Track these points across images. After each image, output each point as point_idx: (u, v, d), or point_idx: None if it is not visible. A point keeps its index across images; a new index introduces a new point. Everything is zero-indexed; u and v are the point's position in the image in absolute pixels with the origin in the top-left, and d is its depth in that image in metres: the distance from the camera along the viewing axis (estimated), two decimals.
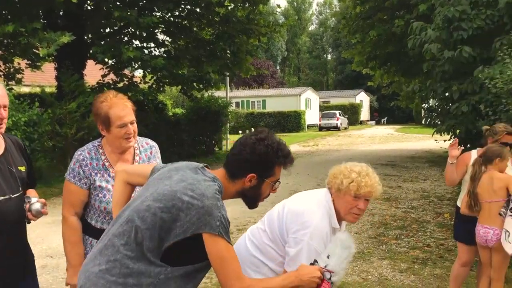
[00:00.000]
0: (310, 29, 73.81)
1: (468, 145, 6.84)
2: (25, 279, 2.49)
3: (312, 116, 41.75)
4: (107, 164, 2.61)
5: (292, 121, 37.41)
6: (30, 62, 14.68)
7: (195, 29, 15.17)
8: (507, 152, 3.75)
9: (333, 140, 27.21)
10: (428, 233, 6.67)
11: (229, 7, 14.93)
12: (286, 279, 2.03)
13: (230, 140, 21.55)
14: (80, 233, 2.59)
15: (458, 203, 4.08)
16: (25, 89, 16.90)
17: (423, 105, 10.66)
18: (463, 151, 4.09)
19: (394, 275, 5.05)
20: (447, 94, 7.19)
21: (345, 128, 40.30)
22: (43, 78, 18.96)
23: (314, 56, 69.27)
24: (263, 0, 15.52)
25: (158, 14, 13.94)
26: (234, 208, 7.39)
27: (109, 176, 2.59)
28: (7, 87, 13.72)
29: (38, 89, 14.96)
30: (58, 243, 5.34)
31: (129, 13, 11.08)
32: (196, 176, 1.94)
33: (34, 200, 2.41)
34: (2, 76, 14.22)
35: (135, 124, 2.61)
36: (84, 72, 14.12)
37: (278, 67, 68.48)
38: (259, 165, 1.97)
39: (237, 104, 41.09)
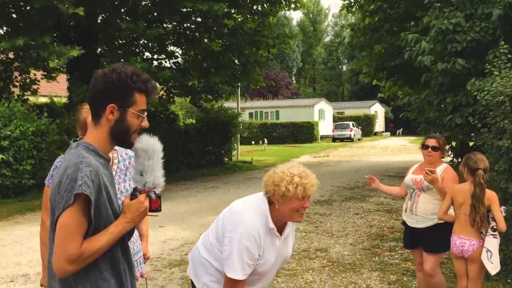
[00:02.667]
0: (325, 40, 73.86)
1: None
2: None
3: (325, 127, 41.71)
4: None
5: (305, 132, 37.41)
6: (45, 73, 15.07)
7: (205, 40, 15.35)
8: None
9: (345, 151, 27.12)
10: None
11: (239, 19, 15.10)
12: (116, 228, 1.84)
13: (240, 151, 21.67)
14: None
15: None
16: (42, 100, 17.26)
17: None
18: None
19: (381, 287, 5.06)
20: (442, 105, 7.19)
21: (359, 139, 40.12)
22: (61, 89, 19.31)
23: (329, 67, 69.22)
24: (272, 12, 15.69)
25: (169, 26, 14.19)
26: None
27: None
28: (23, 97, 14.12)
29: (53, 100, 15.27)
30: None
31: (136, 24, 11.31)
32: (68, 157, 1.83)
33: None
34: (18, 87, 14.60)
35: None
36: None
37: (293, 78, 68.60)
38: (115, 92, 1.82)
39: (250, 114, 41.26)
